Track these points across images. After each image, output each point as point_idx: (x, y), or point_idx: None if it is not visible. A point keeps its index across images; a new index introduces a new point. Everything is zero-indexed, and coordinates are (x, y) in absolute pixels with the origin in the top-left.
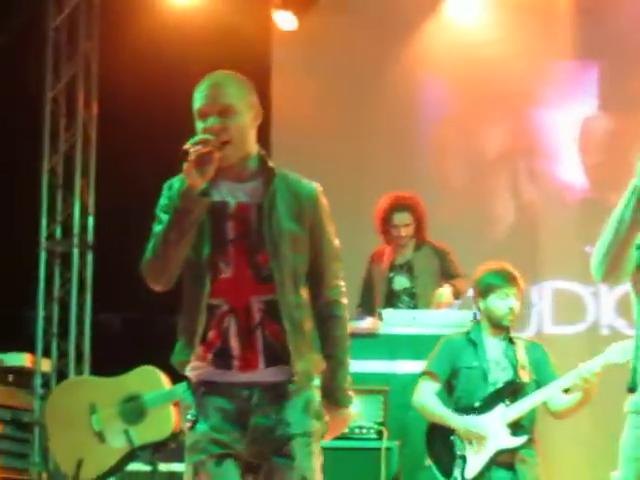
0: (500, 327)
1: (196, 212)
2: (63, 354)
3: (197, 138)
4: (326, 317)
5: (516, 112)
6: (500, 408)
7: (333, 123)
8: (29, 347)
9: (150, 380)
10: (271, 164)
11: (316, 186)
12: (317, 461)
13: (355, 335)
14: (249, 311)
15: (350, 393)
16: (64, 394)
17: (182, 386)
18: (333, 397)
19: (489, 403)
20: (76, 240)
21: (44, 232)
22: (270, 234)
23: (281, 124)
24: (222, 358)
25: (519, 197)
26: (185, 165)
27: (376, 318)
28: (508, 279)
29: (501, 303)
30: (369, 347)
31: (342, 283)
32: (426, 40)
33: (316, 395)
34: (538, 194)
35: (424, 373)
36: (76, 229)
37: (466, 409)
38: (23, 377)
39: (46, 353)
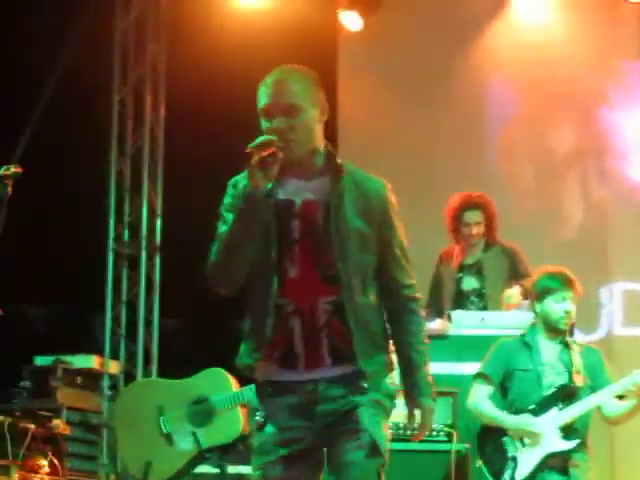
0: (556, 331)
1: (260, 214)
2: (131, 356)
3: (260, 140)
4: (402, 313)
5: (585, 112)
6: (553, 411)
7: (399, 123)
8: (97, 349)
9: (218, 382)
10: (339, 160)
11: (385, 183)
12: (385, 432)
13: None
14: (315, 312)
15: (432, 385)
16: (132, 396)
17: (250, 388)
18: (416, 389)
19: (543, 406)
20: (144, 242)
21: (112, 234)
22: (337, 233)
23: (348, 124)
24: (288, 359)
25: (588, 197)
26: (248, 167)
27: (445, 319)
28: (565, 282)
29: (557, 306)
30: (438, 349)
31: (414, 281)
32: (493, 39)
33: (387, 381)
34: (608, 194)
35: (478, 376)
36: (144, 231)
37: (519, 412)
38: (91, 379)
39: (114, 355)
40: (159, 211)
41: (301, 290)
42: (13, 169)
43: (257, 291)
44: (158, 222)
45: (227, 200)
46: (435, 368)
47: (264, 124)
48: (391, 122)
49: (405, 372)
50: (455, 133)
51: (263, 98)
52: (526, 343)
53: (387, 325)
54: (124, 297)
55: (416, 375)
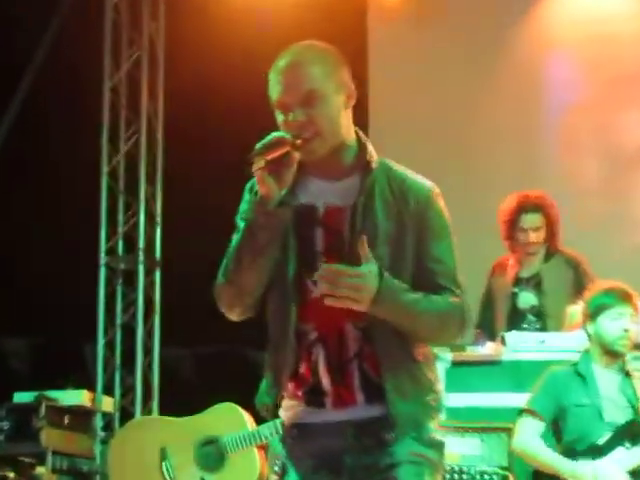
0: (613, 354)
1: (273, 228)
2: (128, 390)
3: (269, 139)
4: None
5: None
6: (619, 452)
7: (440, 112)
8: (88, 383)
9: (230, 420)
10: (371, 154)
11: (431, 186)
12: None
13: (474, 363)
14: (343, 339)
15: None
16: (130, 437)
17: (268, 427)
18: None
19: (606, 446)
20: (141, 255)
21: (104, 246)
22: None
23: (380, 113)
24: (313, 396)
25: None
26: (256, 172)
27: (498, 342)
28: (621, 297)
29: (612, 324)
30: (491, 377)
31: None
32: (549, 14)
33: (430, 425)
34: None
35: (525, 411)
36: (141, 242)
37: (577, 455)
38: (81, 418)
39: (108, 389)
40: (159, 219)
41: (326, 313)
42: None
43: (275, 315)
44: (158, 231)
45: (243, 207)
46: (488, 399)
47: (279, 117)
48: (430, 111)
49: None
50: (506, 123)
51: (275, 87)
52: (579, 373)
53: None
54: (119, 320)
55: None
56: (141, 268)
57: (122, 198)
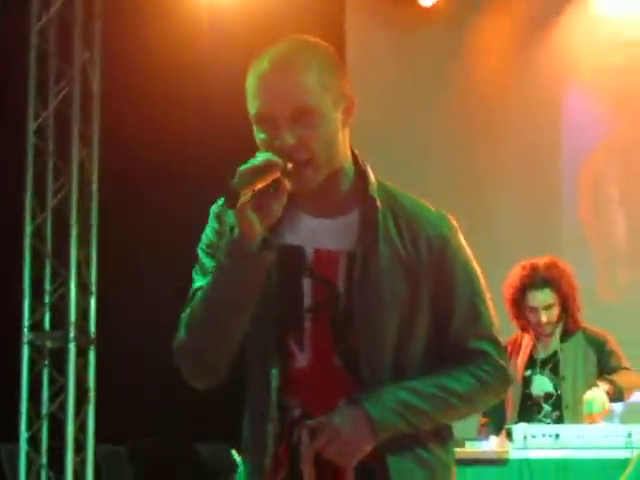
0: None
1: (253, 273)
2: None
3: (259, 161)
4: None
5: None
6: None
7: (438, 150)
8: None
9: None
10: (372, 184)
11: (448, 219)
12: None
13: (475, 463)
14: None
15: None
16: None
17: None
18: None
19: None
20: (73, 331)
21: (27, 320)
22: (362, 302)
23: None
24: None
25: None
26: (236, 207)
27: (503, 437)
28: None
29: None
30: (495, 478)
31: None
32: (567, 38)
33: None
34: None
35: None
36: (72, 315)
37: None
38: None
39: None
40: (93, 287)
41: (313, 386)
42: None
43: (252, 386)
44: (92, 302)
45: (207, 236)
46: None
47: (259, 136)
48: (429, 151)
49: None
50: (519, 167)
51: (255, 97)
52: None
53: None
54: (44, 410)
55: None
56: (72, 346)
57: (49, 264)
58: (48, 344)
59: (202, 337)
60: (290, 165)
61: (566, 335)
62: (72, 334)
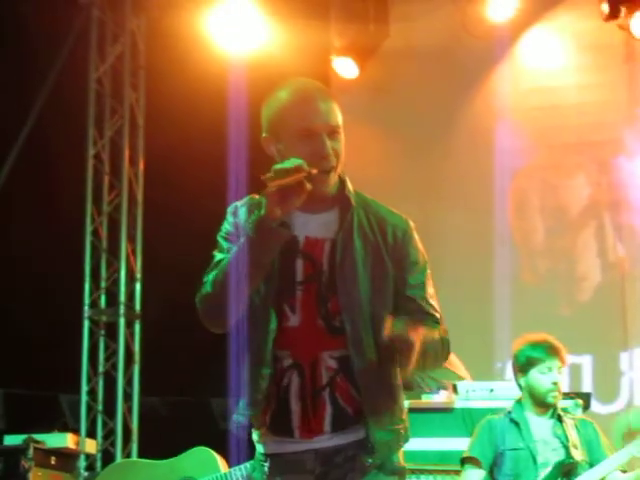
0: (544, 405)
1: (273, 244)
2: (110, 433)
3: (289, 164)
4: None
5: (600, 162)
6: None
7: (398, 176)
8: (66, 428)
9: (204, 462)
10: (349, 188)
11: (407, 220)
12: None
13: (429, 410)
14: (316, 368)
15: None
16: (112, 478)
17: (240, 469)
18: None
19: None
20: (122, 309)
21: (87, 300)
22: (343, 277)
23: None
24: (280, 423)
25: (605, 255)
26: (265, 194)
27: (450, 391)
28: (549, 351)
29: (543, 378)
30: (444, 423)
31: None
32: (498, 85)
33: (396, 455)
34: (626, 251)
35: (466, 460)
36: (122, 296)
37: None
38: (66, 459)
39: (90, 433)
40: (138, 274)
41: (302, 341)
42: None
43: (252, 337)
44: (137, 286)
45: (225, 227)
46: (442, 444)
47: (298, 145)
48: (389, 177)
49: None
50: (459, 186)
51: (303, 117)
52: (513, 420)
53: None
54: (101, 369)
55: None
56: (122, 320)
57: (105, 256)
58: (103, 318)
59: (227, 289)
60: (315, 171)
61: None
62: (122, 311)
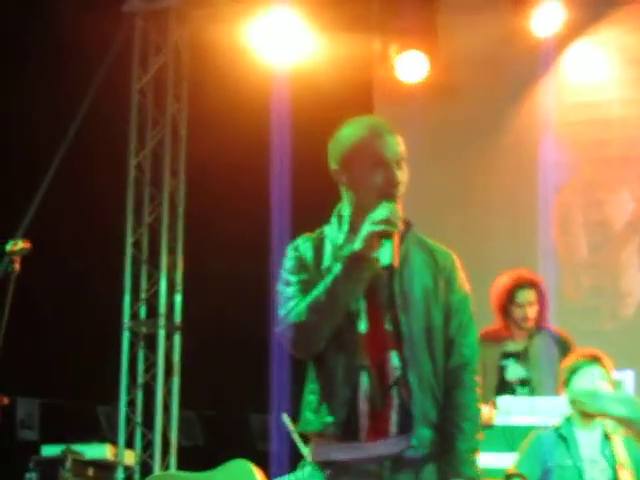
0: (588, 414)
1: (364, 274)
2: (148, 445)
3: (397, 220)
4: (452, 384)
5: None
6: None
7: (441, 189)
8: (104, 440)
9: (243, 475)
10: (407, 219)
11: (452, 253)
12: None
13: None
14: (384, 368)
15: (475, 463)
16: None
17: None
18: (450, 465)
19: None
20: (162, 320)
21: (127, 311)
22: (401, 287)
23: None
24: (348, 426)
25: None
26: (372, 235)
27: (490, 407)
28: (588, 358)
29: (584, 383)
30: (484, 439)
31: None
32: (542, 100)
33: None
34: None
35: (512, 476)
36: (162, 308)
37: None
38: (104, 471)
39: (129, 444)
40: (179, 286)
41: (371, 345)
42: (21, 244)
43: (329, 350)
44: (178, 298)
45: (289, 263)
46: (482, 460)
47: (375, 172)
48: (433, 187)
49: (443, 448)
50: (504, 200)
51: (378, 150)
52: (562, 436)
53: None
54: (140, 380)
55: (451, 451)
56: (162, 332)
57: (145, 267)
58: (143, 330)
59: (320, 319)
60: (402, 228)
61: (535, 331)
62: (162, 322)
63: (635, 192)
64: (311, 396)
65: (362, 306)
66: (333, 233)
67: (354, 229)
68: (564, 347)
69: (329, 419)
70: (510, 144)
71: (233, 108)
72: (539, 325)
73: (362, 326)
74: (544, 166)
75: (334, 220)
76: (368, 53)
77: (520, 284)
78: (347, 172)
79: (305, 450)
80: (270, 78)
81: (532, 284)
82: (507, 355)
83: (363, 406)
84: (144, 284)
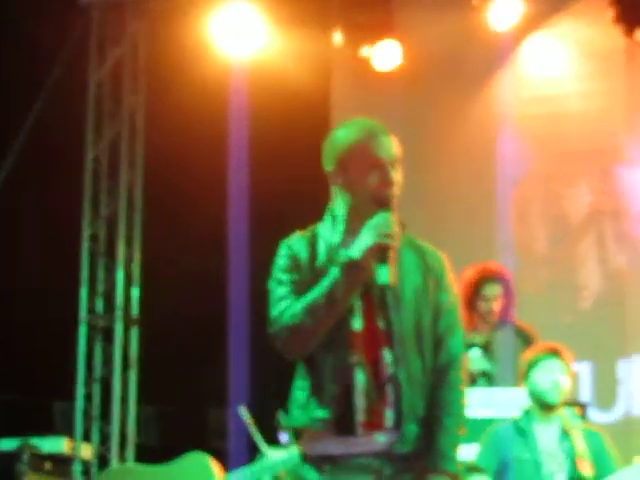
0: (547, 406)
1: (360, 280)
2: (105, 438)
3: (395, 237)
4: (438, 381)
5: (601, 170)
6: None
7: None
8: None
9: (200, 469)
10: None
11: (441, 253)
12: None
13: None
14: (378, 365)
15: (456, 458)
16: None
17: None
18: (431, 461)
19: None
20: (119, 313)
21: (84, 304)
22: (393, 290)
23: None
24: (343, 421)
25: (606, 264)
26: (374, 248)
27: None
28: (550, 351)
29: (543, 377)
30: None
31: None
32: (499, 93)
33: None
34: (627, 260)
35: (472, 469)
36: (119, 301)
37: None
38: (62, 464)
39: (87, 438)
40: (137, 279)
41: (365, 342)
42: None
43: (320, 348)
44: (135, 291)
45: (282, 261)
46: None
47: (371, 174)
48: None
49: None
50: (461, 194)
51: (373, 151)
52: (520, 429)
53: None
54: (97, 374)
55: (434, 445)
56: (119, 326)
57: (102, 260)
58: (100, 323)
59: (320, 319)
60: (395, 246)
61: (499, 325)
62: (119, 316)
63: (593, 186)
64: (300, 393)
65: (357, 305)
66: (327, 232)
67: (350, 230)
68: (526, 341)
69: (320, 415)
70: (469, 137)
71: (191, 101)
72: (503, 319)
73: (357, 324)
74: (502, 160)
75: (327, 219)
76: (326, 46)
77: (487, 278)
78: (342, 174)
79: (263, 445)
80: (228, 71)
81: (499, 278)
82: (471, 346)
83: (359, 402)
84: (101, 277)
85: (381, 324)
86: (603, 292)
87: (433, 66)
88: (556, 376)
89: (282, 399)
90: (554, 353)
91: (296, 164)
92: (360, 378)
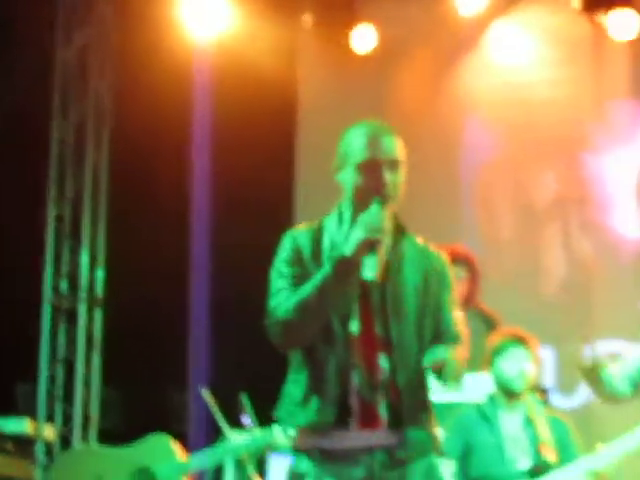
0: (512, 394)
1: (351, 276)
2: (68, 420)
3: (382, 231)
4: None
5: (567, 158)
6: None
7: None
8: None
9: (161, 450)
10: (401, 223)
11: (443, 254)
12: None
13: None
14: (374, 368)
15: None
16: (68, 465)
17: (197, 458)
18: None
19: None
20: (83, 295)
21: (49, 285)
22: (394, 292)
23: (308, 174)
24: (339, 418)
25: (571, 250)
26: (364, 243)
27: None
28: (514, 338)
29: (508, 364)
30: None
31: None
32: (465, 80)
33: (438, 462)
34: (591, 247)
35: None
36: (84, 282)
37: None
38: (24, 445)
39: (49, 419)
40: (101, 261)
41: (362, 346)
42: None
43: (317, 344)
44: (100, 273)
45: (285, 254)
46: None
47: (359, 177)
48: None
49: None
50: (426, 179)
51: (364, 148)
52: (484, 415)
53: None
54: (60, 355)
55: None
56: (83, 306)
57: (67, 241)
58: (64, 304)
59: (312, 315)
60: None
61: (464, 310)
62: (83, 297)
63: (559, 173)
64: (295, 388)
65: (355, 307)
66: (333, 228)
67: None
68: (490, 325)
69: (317, 413)
70: (437, 122)
71: (159, 83)
72: (468, 302)
73: (354, 327)
74: (468, 147)
75: (335, 215)
76: (293, 29)
77: (452, 260)
78: (339, 172)
79: (226, 427)
80: (194, 52)
81: (464, 260)
82: None
83: (353, 402)
84: (66, 258)
85: (379, 330)
86: (568, 278)
87: (401, 50)
88: (522, 364)
89: (244, 382)
90: (520, 340)
91: (260, 148)
92: (355, 380)
